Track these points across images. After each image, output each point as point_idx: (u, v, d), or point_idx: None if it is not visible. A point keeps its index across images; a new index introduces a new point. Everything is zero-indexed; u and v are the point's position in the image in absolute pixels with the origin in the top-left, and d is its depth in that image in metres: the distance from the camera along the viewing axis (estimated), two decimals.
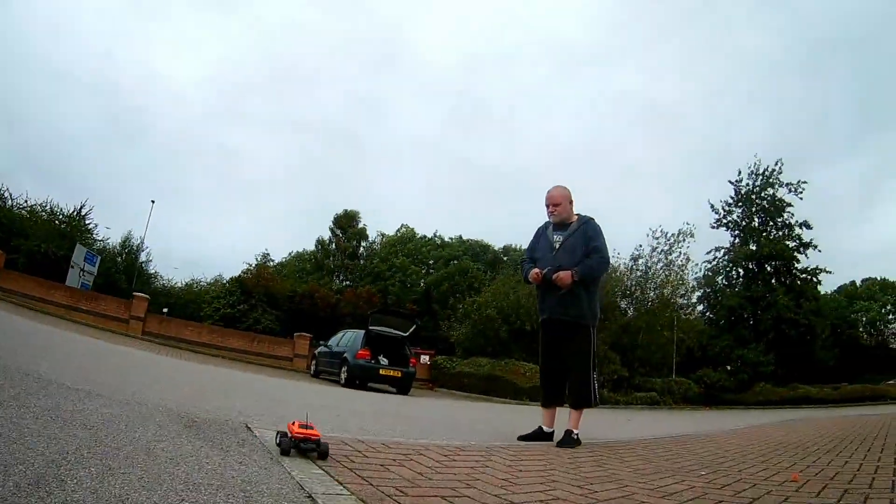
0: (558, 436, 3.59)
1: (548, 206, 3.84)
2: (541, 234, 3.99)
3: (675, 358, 23.38)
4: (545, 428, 3.77)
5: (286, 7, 79.56)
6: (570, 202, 3.86)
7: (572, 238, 3.76)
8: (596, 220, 3.86)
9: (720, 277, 33.73)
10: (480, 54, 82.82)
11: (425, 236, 40.49)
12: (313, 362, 15.95)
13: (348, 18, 79.48)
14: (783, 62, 70.69)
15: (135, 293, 19.63)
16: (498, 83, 79.28)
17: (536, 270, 3.75)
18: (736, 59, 72.53)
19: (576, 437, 3.53)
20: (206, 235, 61.48)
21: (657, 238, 21.97)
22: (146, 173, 54.97)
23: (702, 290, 32.12)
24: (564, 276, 3.59)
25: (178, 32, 73.75)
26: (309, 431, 2.00)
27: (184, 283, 32.38)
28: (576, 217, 3.86)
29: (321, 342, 16.31)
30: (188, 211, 62.02)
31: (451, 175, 70.19)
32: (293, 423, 2.06)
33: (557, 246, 3.78)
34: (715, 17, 75.74)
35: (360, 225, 37.05)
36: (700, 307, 32.60)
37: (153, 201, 34.10)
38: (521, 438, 3.72)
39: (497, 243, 39.83)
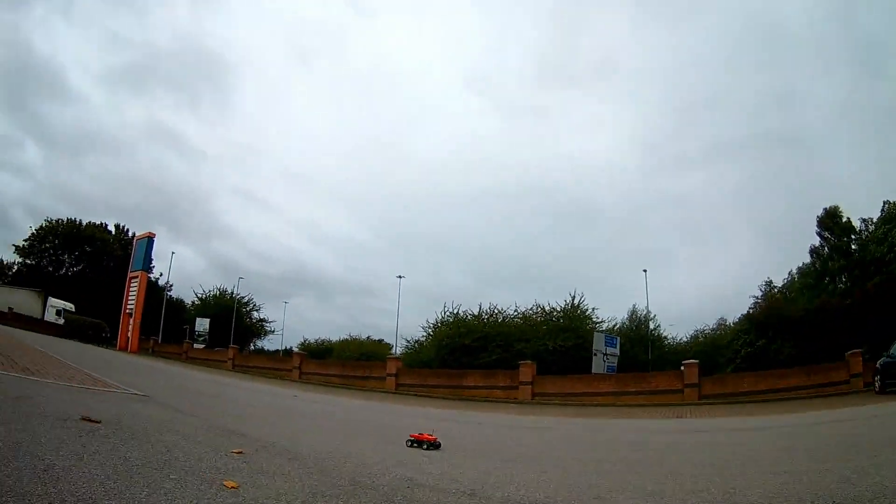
0: None
1: None
2: None
3: None
4: None
5: None
6: None
7: None
8: None
9: None
10: None
11: None
12: (876, 378, 13.96)
13: None
14: None
15: (683, 362, 20.60)
16: None
17: None
18: None
19: None
20: (681, 286, 57.90)
21: None
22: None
23: None
24: None
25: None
26: None
27: (688, 336, 32.22)
28: None
29: (884, 353, 14.13)
30: (670, 268, 60.40)
31: None
32: None
33: None
34: None
35: (844, 219, 32.05)
36: None
37: (645, 271, 34.06)
38: None
39: None
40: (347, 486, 2.68)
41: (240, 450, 3.18)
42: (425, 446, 4.41)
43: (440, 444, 4.51)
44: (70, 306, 41.65)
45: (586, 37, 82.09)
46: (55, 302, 40.82)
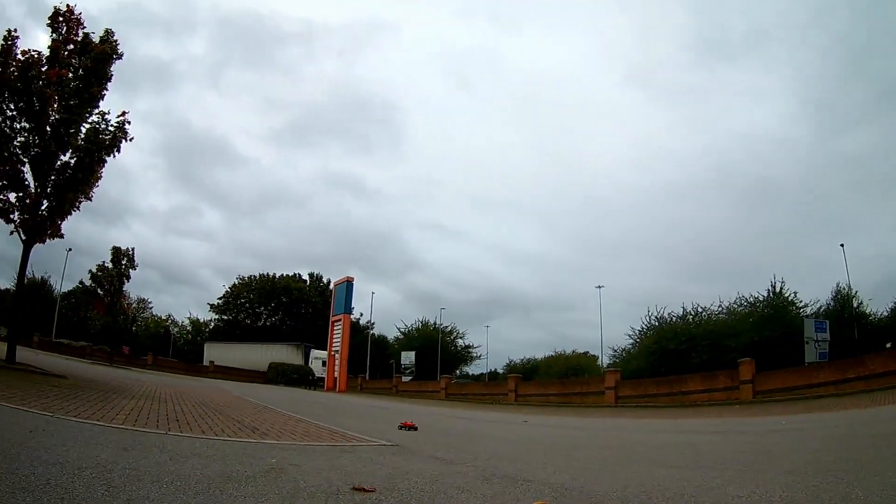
0: None
1: None
2: None
3: None
4: None
5: None
6: None
7: None
8: None
9: None
10: None
11: None
12: None
13: None
14: None
15: None
16: None
17: None
18: None
19: None
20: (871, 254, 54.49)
21: None
22: None
23: None
24: None
25: None
26: None
27: (888, 310, 29.10)
28: None
29: None
30: (858, 236, 55.27)
31: None
32: None
33: None
34: None
35: None
36: None
37: (842, 245, 31.09)
38: None
39: None
40: None
41: (543, 501, 2.84)
42: None
43: None
44: (326, 355, 43.62)
45: (730, 10, 76.67)
46: (318, 353, 43.39)
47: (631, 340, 32.97)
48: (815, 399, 15.48)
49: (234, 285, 58.92)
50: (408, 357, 43.19)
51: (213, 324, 59.62)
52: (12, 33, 9.96)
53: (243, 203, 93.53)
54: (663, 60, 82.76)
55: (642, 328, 31.47)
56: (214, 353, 47.39)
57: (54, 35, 10.54)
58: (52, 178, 10.81)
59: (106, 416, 5.15)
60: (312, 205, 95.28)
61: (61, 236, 11.60)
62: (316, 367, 41.14)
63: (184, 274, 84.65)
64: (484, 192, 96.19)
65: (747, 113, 72.61)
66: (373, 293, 57.29)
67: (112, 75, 10.97)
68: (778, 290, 27.94)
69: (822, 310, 27.56)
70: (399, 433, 6.69)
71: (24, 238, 10.99)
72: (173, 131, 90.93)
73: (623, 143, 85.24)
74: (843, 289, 28.44)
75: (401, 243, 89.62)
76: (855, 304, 28.21)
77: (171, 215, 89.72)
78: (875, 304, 32.22)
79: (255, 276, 59.21)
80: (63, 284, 49.31)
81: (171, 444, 4.01)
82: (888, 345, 17.97)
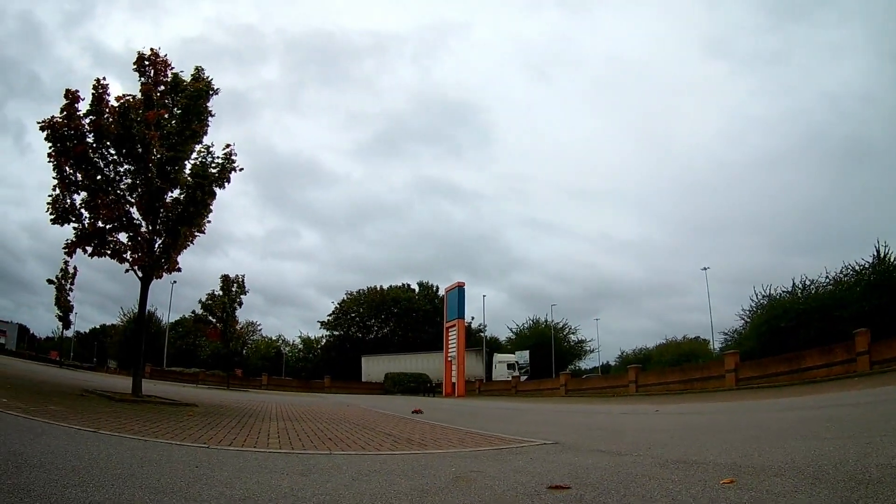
0: None
1: None
2: None
3: None
4: None
5: None
6: None
7: None
8: None
9: None
10: None
11: None
12: None
13: None
14: None
15: None
16: None
17: None
18: None
19: None
20: None
21: None
22: None
23: None
24: None
25: None
26: None
27: None
28: None
29: None
30: None
31: None
32: None
33: None
34: None
35: None
36: None
37: None
38: None
39: None
40: None
41: (731, 479, 2.91)
42: None
43: None
44: (514, 358, 43.07)
45: None
46: (502, 357, 43.66)
47: (741, 321, 32.68)
48: None
49: (343, 300, 60.80)
50: (522, 356, 42.74)
51: (324, 340, 61.95)
52: (101, 82, 10.26)
53: (339, 219, 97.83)
54: (736, 27, 78.54)
55: (752, 307, 31.12)
56: (373, 366, 47.74)
57: (143, 79, 10.86)
58: (162, 214, 11.18)
59: (260, 442, 5.14)
60: (409, 213, 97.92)
61: (178, 270, 11.85)
62: (501, 371, 40.67)
63: (287, 295, 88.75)
64: (578, 183, 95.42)
65: (829, 71, 68.65)
66: (484, 296, 57.21)
67: (211, 111, 11.22)
68: (883, 255, 26.47)
69: None
70: (540, 431, 6.78)
71: (140, 276, 11.47)
72: (259, 157, 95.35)
73: (711, 118, 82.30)
74: None
75: (502, 243, 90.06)
76: None
77: (268, 239, 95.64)
78: None
79: (363, 290, 60.89)
80: (170, 315, 53.60)
81: (343, 463, 3.97)
82: None
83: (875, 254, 26.79)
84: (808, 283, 29.08)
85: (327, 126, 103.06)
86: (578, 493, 2.79)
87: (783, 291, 29.60)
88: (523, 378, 38.66)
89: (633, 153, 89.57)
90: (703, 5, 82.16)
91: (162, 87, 10.99)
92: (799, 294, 28.80)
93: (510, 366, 40.59)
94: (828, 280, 28.64)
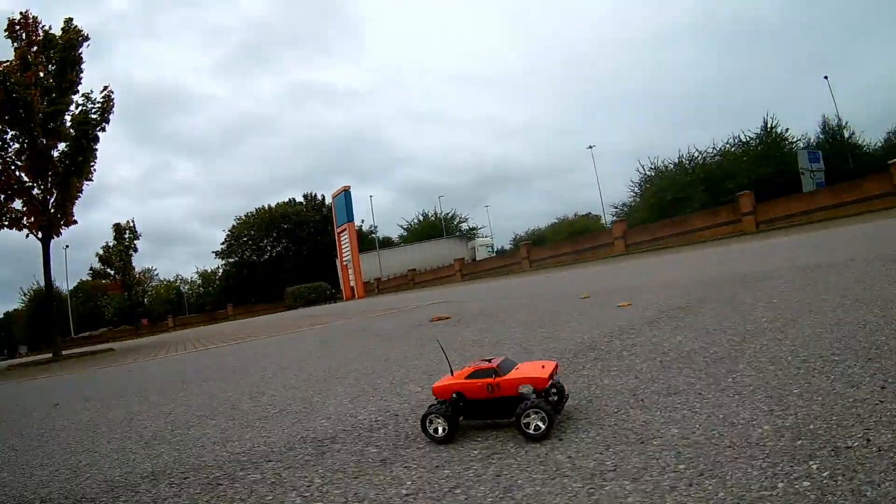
0: None
1: None
2: None
3: None
4: None
5: None
6: None
7: None
8: None
9: None
10: None
11: None
12: None
13: None
14: None
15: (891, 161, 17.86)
16: None
17: None
18: None
19: None
20: (865, 88, 52.62)
21: None
22: None
23: None
24: None
25: None
26: None
27: (881, 140, 28.09)
28: None
29: None
30: (850, 70, 53.80)
31: None
32: None
33: None
34: None
35: None
36: None
37: (826, 77, 30.00)
38: None
39: None
40: None
41: (628, 302, 3.89)
42: None
43: None
44: (490, 241, 43.79)
45: None
46: (481, 240, 43.62)
47: (632, 195, 33.24)
48: (817, 224, 16.04)
49: (233, 227, 59.03)
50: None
51: (220, 271, 60.39)
52: None
53: (212, 144, 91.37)
54: None
55: (640, 180, 31.45)
56: (373, 264, 44.14)
57: (16, 44, 10.66)
58: (51, 171, 11.30)
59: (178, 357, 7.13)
60: (283, 124, 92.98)
61: (75, 222, 12.13)
62: (482, 253, 41.34)
63: (175, 233, 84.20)
64: (457, 69, 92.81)
65: None
66: (370, 196, 56.75)
67: (82, 59, 11.23)
68: (770, 126, 27.61)
69: (812, 143, 27.57)
70: (447, 296, 8.58)
71: (40, 237, 11.60)
72: (120, 94, 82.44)
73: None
74: (831, 120, 28.30)
75: (384, 141, 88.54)
76: (847, 136, 27.96)
77: (144, 179, 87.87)
78: (870, 135, 32.31)
79: (251, 213, 59.18)
80: (69, 281, 49.07)
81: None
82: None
83: (763, 125, 27.76)
84: (695, 154, 29.53)
85: (186, 46, 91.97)
86: (455, 320, 4.15)
87: (671, 163, 29.87)
88: (425, 270, 40.22)
89: (513, 35, 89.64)
90: None
91: (35, 48, 10.85)
92: (686, 165, 29.09)
93: (488, 248, 42.21)
94: (715, 152, 29.12)
